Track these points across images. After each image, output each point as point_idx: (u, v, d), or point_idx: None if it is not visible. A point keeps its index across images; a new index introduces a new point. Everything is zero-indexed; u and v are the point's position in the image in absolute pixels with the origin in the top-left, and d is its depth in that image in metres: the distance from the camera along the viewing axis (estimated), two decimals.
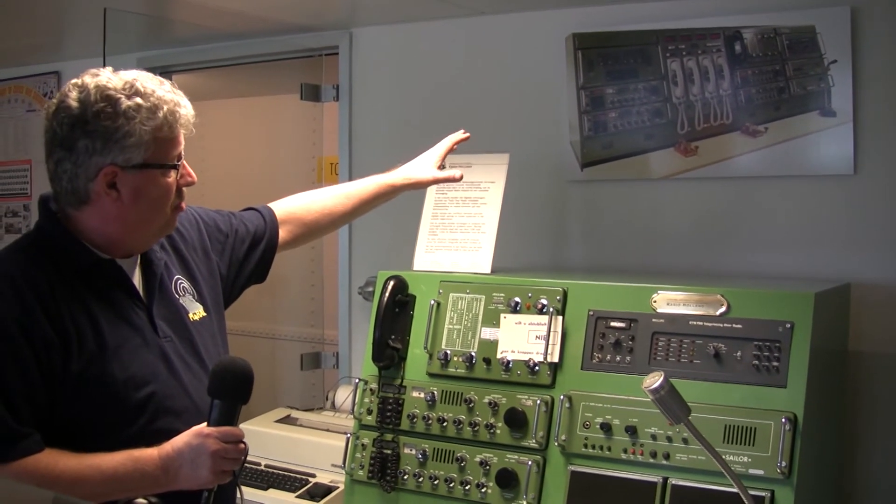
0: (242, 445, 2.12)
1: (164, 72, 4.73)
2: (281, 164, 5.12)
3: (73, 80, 2.11)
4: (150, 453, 2.07)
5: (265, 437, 3.57)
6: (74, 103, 2.05)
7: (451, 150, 2.90)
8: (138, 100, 2.07)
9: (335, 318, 4.23)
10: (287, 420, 3.73)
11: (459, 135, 2.94)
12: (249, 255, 2.58)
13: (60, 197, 2.14)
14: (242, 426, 3.57)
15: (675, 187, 3.40)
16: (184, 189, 2.23)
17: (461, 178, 2.89)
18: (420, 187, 2.92)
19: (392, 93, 4.02)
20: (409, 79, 3.97)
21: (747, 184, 3.28)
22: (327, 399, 4.01)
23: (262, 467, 3.47)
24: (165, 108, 2.11)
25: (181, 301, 2.32)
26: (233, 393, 2.12)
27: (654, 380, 2.00)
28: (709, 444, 2.06)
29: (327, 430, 3.59)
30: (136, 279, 2.25)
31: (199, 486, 2.07)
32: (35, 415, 2.02)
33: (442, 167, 2.89)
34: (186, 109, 2.17)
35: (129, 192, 2.10)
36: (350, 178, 4.06)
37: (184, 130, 2.18)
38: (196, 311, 2.34)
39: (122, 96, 2.06)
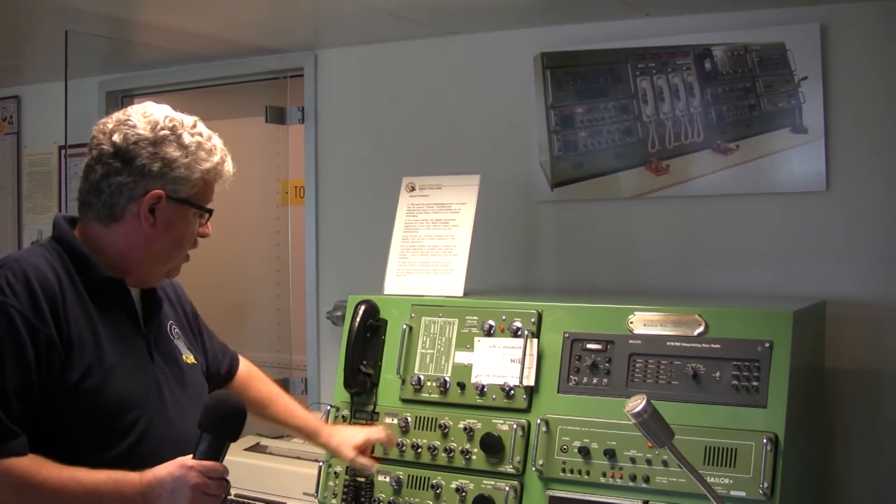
0: (225, 483, 2.06)
1: (127, 95, 4.67)
2: (246, 187, 5.04)
3: (135, 106, 2.20)
4: (132, 477, 2.02)
5: (235, 465, 3.40)
6: (141, 123, 2.14)
7: (368, 445, 2.78)
8: (200, 139, 2.19)
9: (303, 342, 4.16)
10: (257, 448, 3.66)
11: (382, 435, 2.80)
12: (207, 372, 2.55)
13: (92, 210, 2.17)
14: None
15: (647, 206, 3.37)
16: (198, 240, 2.29)
17: (372, 470, 2.80)
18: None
19: (359, 114, 3.98)
20: (376, 100, 3.92)
21: (719, 202, 3.26)
22: None
23: (233, 497, 3.39)
24: (219, 155, 2.23)
25: (176, 342, 2.35)
26: (223, 428, 2.07)
27: (637, 403, 1.96)
28: (693, 468, 2.02)
29: (298, 458, 3.52)
30: (138, 310, 2.26)
31: None
32: (26, 416, 1.99)
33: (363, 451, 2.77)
34: (230, 165, 2.28)
35: (164, 222, 2.16)
36: (317, 201, 4.05)
37: (222, 183, 2.27)
38: (188, 356, 2.36)
39: (187, 132, 2.17)
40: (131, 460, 2.05)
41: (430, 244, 3.06)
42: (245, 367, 2.71)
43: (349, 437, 2.72)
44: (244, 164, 5.09)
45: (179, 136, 2.15)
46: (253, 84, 4.43)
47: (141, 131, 2.13)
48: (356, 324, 2.90)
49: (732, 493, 2.39)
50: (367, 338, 2.93)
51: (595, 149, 3.42)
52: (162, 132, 2.14)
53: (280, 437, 3.83)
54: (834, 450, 3.03)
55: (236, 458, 3.52)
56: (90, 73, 4.62)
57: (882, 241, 3.01)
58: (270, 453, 3.62)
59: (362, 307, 2.93)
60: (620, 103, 3.36)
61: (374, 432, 2.77)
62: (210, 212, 2.25)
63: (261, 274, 4.84)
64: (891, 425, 2.99)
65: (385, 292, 3.09)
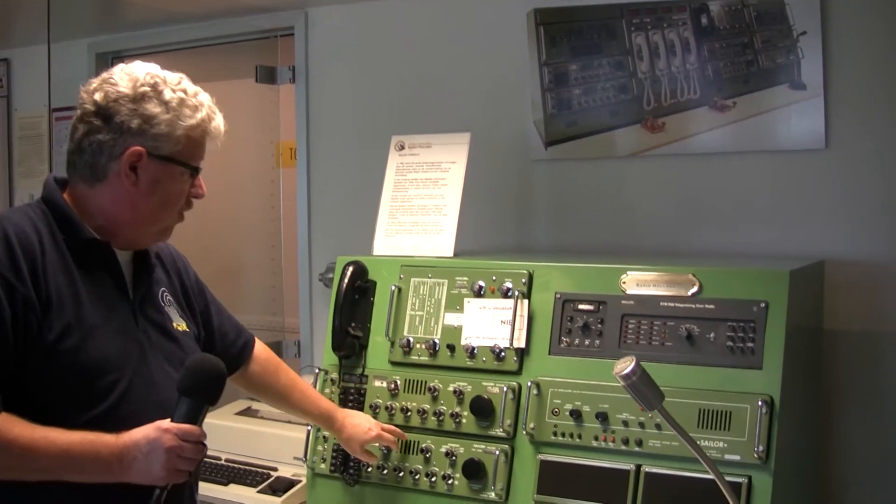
0: (202, 447, 2.01)
1: (116, 57, 4.59)
2: (240, 150, 4.98)
3: (122, 65, 2.16)
4: (107, 438, 1.98)
5: (225, 430, 3.45)
6: (122, 81, 2.09)
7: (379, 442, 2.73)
8: (182, 95, 2.13)
9: (296, 305, 4.11)
10: (248, 412, 3.61)
11: (392, 438, 2.74)
12: (210, 350, 2.49)
13: (77, 171, 2.13)
14: None
15: (642, 165, 3.30)
16: (192, 201, 2.24)
17: (375, 461, 2.76)
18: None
19: (350, 74, 3.90)
20: (368, 59, 3.85)
21: (716, 160, 3.19)
22: None
23: (223, 462, 3.36)
24: (204, 112, 2.16)
25: (166, 309, 2.29)
26: (202, 391, 2.03)
27: (626, 365, 1.90)
28: (683, 431, 1.97)
29: (289, 422, 3.46)
30: (127, 273, 2.20)
31: (152, 481, 1.98)
32: (1, 374, 1.95)
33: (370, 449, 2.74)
34: (220, 122, 2.23)
35: (148, 181, 2.11)
36: (308, 162, 3.98)
37: (211, 142, 2.21)
38: (179, 323, 2.31)
39: (169, 88, 2.12)
40: (110, 423, 2.01)
41: (420, 204, 2.99)
42: (263, 353, 2.66)
43: (360, 435, 2.68)
44: (238, 126, 5.05)
45: (160, 93, 2.10)
46: (244, 44, 4.34)
47: (122, 88, 2.09)
48: (344, 285, 2.85)
49: (727, 456, 2.34)
50: (355, 300, 2.87)
51: (589, 107, 3.34)
52: (142, 88, 2.09)
53: None
54: (832, 413, 2.97)
55: (227, 422, 3.50)
56: (79, 34, 4.56)
57: (882, 200, 2.94)
58: (262, 417, 3.58)
59: (350, 268, 2.87)
60: (615, 60, 3.28)
61: (384, 434, 2.71)
62: (196, 170, 2.18)
63: (256, 237, 4.78)
64: (891, 388, 2.93)
65: (374, 253, 3.03)
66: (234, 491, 3.19)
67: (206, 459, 3.34)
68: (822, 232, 3.01)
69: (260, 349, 2.65)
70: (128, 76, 2.11)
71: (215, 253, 4.74)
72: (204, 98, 2.19)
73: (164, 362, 2.17)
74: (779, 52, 3.04)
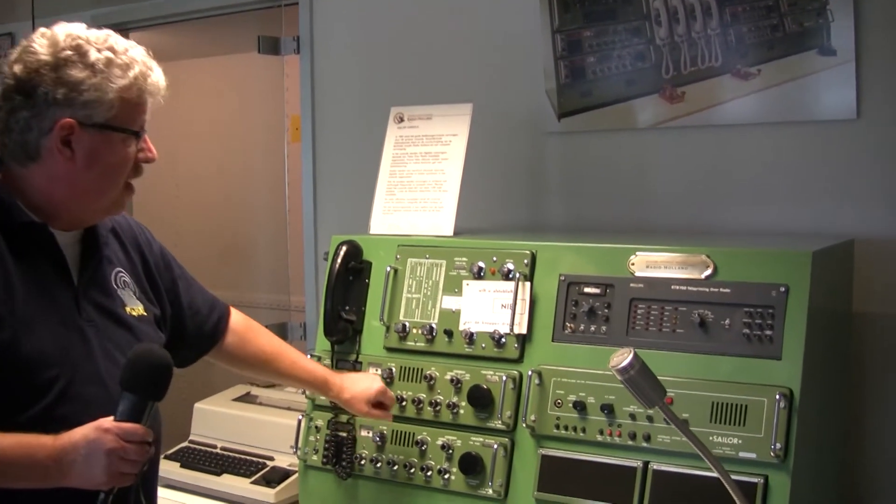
0: (148, 447, 1.85)
1: (121, 29, 4.43)
2: (247, 126, 4.84)
3: (42, 29, 1.98)
4: (44, 441, 1.82)
5: (221, 417, 3.31)
6: (42, 48, 1.92)
7: (381, 399, 2.56)
8: (109, 54, 1.95)
9: (302, 283, 3.95)
10: (246, 398, 3.46)
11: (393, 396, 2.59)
12: (185, 328, 2.35)
13: (7, 151, 1.97)
14: (197, 405, 3.40)
15: (661, 137, 3.10)
16: (142, 166, 2.05)
17: (390, 417, 2.59)
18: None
19: (356, 43, 3.71)
20: (374, 28, 3.66)
21: (739, 131, 2.98)
22: None
23: (218, 450, 3.21)
24: (137, 69, 1.98)
25: (119, 292, 2.10)
26: (145, 387, 1.87)
27: (623, 357, 1.72)
28: (686, 429, 1.78)
29: (288, 409, 3.32)
30: (72, 256, 2.03)
31: (93, 486, 1.82)
32: None
33: (377, 403, 2.55)
34: (158, 77, 2.04)
35: (84, 154, 1.94)
36: (314, 136, 3.81)
37: (151, 99, 2.02)
38: (135, 308, 2.13)
39: (94, 48, 1.94)
40: (50, 424, 1.85)
41: (419, 180, 2.81)
42: (240, 321, 2.49)
43: (362, 391, 2.52)
44: (245, 100, 4.93)
45: (84, 55, 1.91)
46: (249, 15, 4.19)
47: (42, 56, 1.91)
48: (337, 266, 2.68)
49: (741, 454, 2.15)
50: (349, 281, 2.70)
51: (605, 75, 3.14)
52: (64, 53, 1.91)
53: (271, 385, 3.63)
54: (860, 404, 2.77)
55: (223, 408, 3.36)
56: (83, 7, 4.43)
57: None
58: (260, 403, 3.43)
59: (343, 248, 2.70)
60: (632, 26, 3.08)
61: (385, 389, 2.56)
62: (137, 134, 2.00)
63: (263, 214, 4.63)
64: None
65: (370, 232, 2.86)
66: (227, 481, 3.05)
67: (200, 447, 3.24)
68: (852, 208, 2.80)
69: (237, 320, 2.48)
70: (47, 41, 1.93)
71: (223, 230, 4.61)
72: (136, 53, 2.00)
73: (115, 353, 2.00)
74: (806, 15, 2.82)
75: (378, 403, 2.53)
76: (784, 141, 2.92)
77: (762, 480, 2.13)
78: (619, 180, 3.18)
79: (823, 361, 2.36)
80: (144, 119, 2.01)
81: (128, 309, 2.09)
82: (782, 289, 2.19)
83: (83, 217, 2.03)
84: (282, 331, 4.04)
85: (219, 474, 3.07)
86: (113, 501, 1.83)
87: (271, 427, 3.19)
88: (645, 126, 3.11)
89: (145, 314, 2.14)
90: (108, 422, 1.81)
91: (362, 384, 2.54)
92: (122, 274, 2.13)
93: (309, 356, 2.76)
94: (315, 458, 2.69)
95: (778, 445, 2.10)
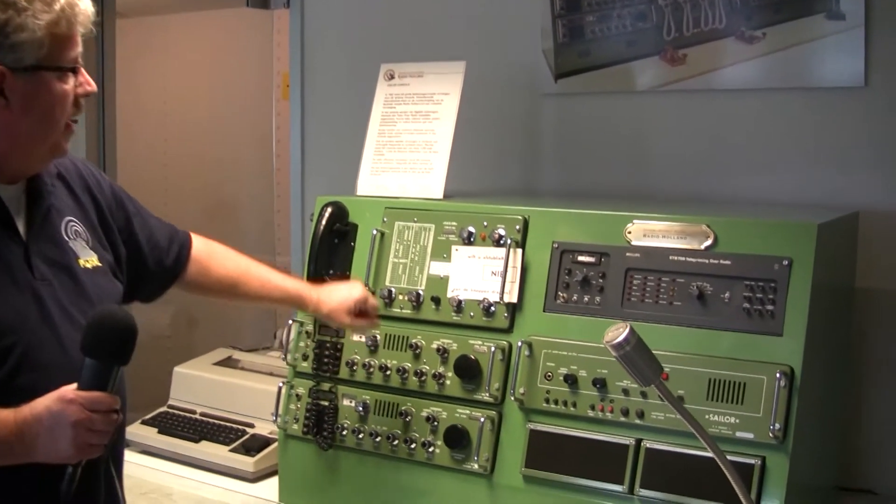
0: (115, 416, 1.74)
1: None
2: (240, 82, 4.70)
3: None
4: (4, 414, 1.71)
5: (201, 381, 3.20)
6: None
7: (363, 307, 2.45)
8: None
9: (289, 244, 3.85)
10: (227, 362, 3.35)
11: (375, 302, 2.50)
12: (145, 265, 2.21)
13: None
14: (177, 369, 3.29)
15: (661, 101, 2.99)
16: (82, 101, 1.90)
17: (378, 326, 2.49)
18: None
19: None
20: None
21: (742, 97, 2.87)
22: (275, 338, 3.63)
23: (197, 416, 3.11)
24: (63, 0, 1.81)
25: (71, 244, 1.96)
26: (108, 351, 1.74)
27: (618, 332, 1.61)
28: (682, 408, 1.68)
29: (270, 374, 3.21)
30: (18, 210, 1.90)
31: (60, 460, 1.71)
32: None
33: (360, 312, 2.44)
34: (87, 5, 1.87)
35: (20, 100, 1.80)
36: (302, 93, 3.67)
37: (82, 29, 1.86)
38: (89, 259, 1.98)
39: None
40: (9, 394, 1.74)
41: (409, 139, 2.70)
42: (202, 247, 2.36)
43: (341, 302, 2.40)
44: (232, 57, 4.80)
45: None
46: None
47: None
48: (321, 228, 2.58)
49: (738, 434, 2.06)
50: (334, 244, 2.60)
51: (604, 35, 3.02)
52: None
53: (255, 350, 3.54)
54: (860, 380, 2.68)
55: (203, 373, 3.26)
56: None
57: None
58: (242, 368, 3.32)
59: (328, 209, 2.60)
60: None
61: (366, 295, 2.44)
62: (73, 70, 1.85)
63: (251, 172, 4.52)
64: None
65: (357, 193, 2.75)
66: (206, 449, 2.94)
67: (179, 413, 3.13)
68: (858, 180, 2.70)
69: (199, 246, 2.35)
70: None
71: (210, 189, 4.49)
72: None
73: (73, 312, 1.88)
74: None
75: (361, 312, 2.42)
76: (788, 108, 2.81)
77: (759, 461, 2.04)
78: (616, 145, 3.07)
79: (825, 339, 2.26)
80: (78, 52, 1.87)
81: (81, 261, 1.95)
82: (785, 262, 2.09)
83: (26, 166, 1.89)
84: None
85: (197, 441, 2.96)
86: (81, 475, 1.73)
87: (252, 393, 3.08)
88: (644, 89, 3.00)
89: (100, 265, 2.00)
90: (71, 391, 1.70)
91: (340, 294, 2.42)
92: (73, 223, 1.99)
93: (291, 321, 2.66)
94: (295, 427, 2.60)
95: (777, 426, 2.01)
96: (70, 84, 1.85)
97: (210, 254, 2.36)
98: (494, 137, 3.19)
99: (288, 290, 2.43)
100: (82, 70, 1.88)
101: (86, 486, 1.79)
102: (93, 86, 1.90)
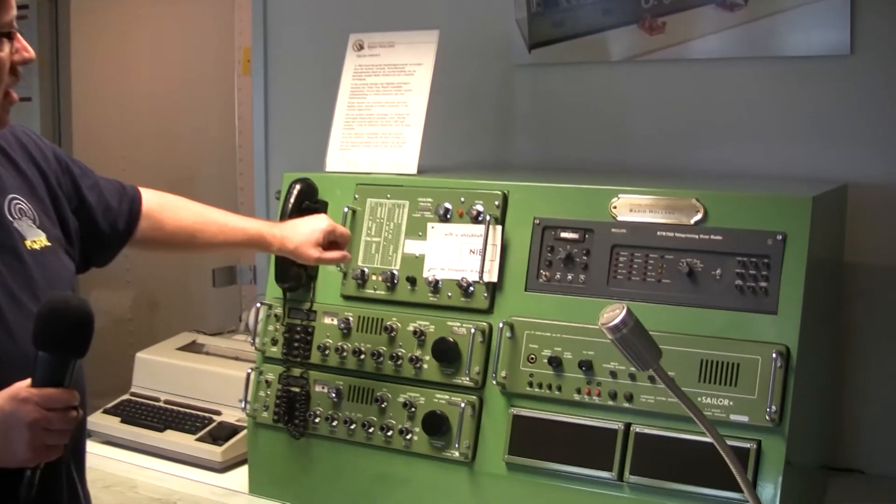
0: (74, 413, 1.61)
1: None
2: (201, 57, 4.56)
3: None
4: None
5: (164, 367, 3.07)
6: None
7: (337, 232, 2.35)
8: None
9: None
10: (192, 347, 3.22)
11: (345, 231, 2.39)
12: (97, 228, 2.05)
13: None
14: (139, 355, 3.16)
15: (639, 71, 2.90)
16: (19, 69, 1.75)
17: (349, 259, 2.37)
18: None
19: None
20: None
21: (723, 66, 2.78)
22: (241, 320, 3.52)
23: (161, 403, 2.98)
24: None
25: (15, 224, 1.81)
26: (63, 343, 1.59)
27: (614, 314, 1.51)
28: (682, 393, 1.58)
29: (236, 359, 3.09)
30: None
31: (17, 464, 1.57)
32: None
33: (329, 245, 2.33)
34: None
35: None
36: (265, 68, 3.54)
37: None
38: (36, 239, 1.83)
39: None
40: None
41: (380, 112, 2.59)
42: (153, 200, 2.20)
43: (307, 236, 2.28)
44: (194, 30, 4.65)
45: None
46: None
47: None
48: (290, 206, 2.45)
49: (733, 417, 1.97)
50: None
51: (579, 4, 2.92)
52: None
53: (220, 333, 3.41)
54: (848, 361, 2.60)
55: (167, 358, 3.14)
56: None
57: None
58: (207, 353, 3.19)
59: (297, 187, 2.48)
60: None
61: (333, 225, 2.34)
62: (8, 35, 1.71)
63: (213, 148, 4.38)
64: None
65: (326, 169, 2.63)
66: (171, 438, 2.82)
67: (142, 400, 3.01)
68: (844, 151, 2.63)
69: (150, 200, 2.19)
70: None
71: (170, 165, 4.34)
72: None
73: (23, 299, 1.73)
74: None
75: (331, 244, 2.32)
76: (771, 78, 2.73)
77: (755, 445, 1.95)
78: (593, 117, 2.98)
79: (819, 315, 2.18)
80: (13, 15, 1.72)
81: (28, 243, 1.81)
82: (779, 237, 2.00)
83: None
84: (230, 274, 3.83)
85: (161, 430, 2.84)
86: (41, 478, 1.60)
87: (218, 379, 2.96)
88: (621, 59, 2.91)
89: (49, 244, 1.85)
90: (24, 389, 1.57)
91: (305, 227, 2.31)
92: (17, 201, 1.84)
93: (259, 304, 2.54)
94: (265, 415, 2.49)
95: (773, 408, 1.93)
96: (6, 51, 1.70)
97: (162, 206, 2.21)
98: (465, 110, 3.09)
99: (248, 231, 2.30)
100: (18, 36, 1.74)
101: (46, 490, 1.66)
102: (31, 52, 1.75)
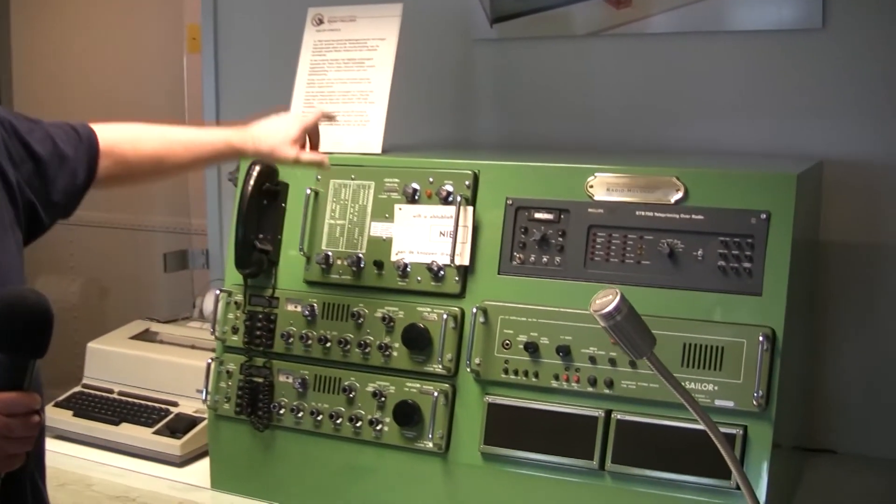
0: (37, 418, 1.50)
1: None
2: (142, 33, 4.40)
3: None
4: None
5: (117, 358, 2.95)
6: None
7: (315, 127, 2.24)
8: None
9: (204, 205, 3.60)
10: (145, 336, 3.10)
11: (328, 112, 2.29)
12: (55, 182, 1.89)
13: None
14: (90, 345, 3.04)
15: (606, 46, 2.81)
16: None
17: (329, 167, 2.24)
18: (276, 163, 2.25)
19: None
20: None
21: (693, 41, 2.71)
22: (195, 306, 3.40)
23: (115, 395, 2.86)
24: None
25: None
26: (22, 343, 1.48)
27: (608, 300, 1.43)
28: (677, 382, 1.50)
29: (192, 347, 2.98)
30: None
31: None
32: None
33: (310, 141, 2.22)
34: None
35: None
36: (216, 44, 3.42)
37: None
38: None
39: None
40: None
41: (342, 90, 2.49)
42: (109, 135, 2.00)
43: (283, 133, 2.13)
44: (139, 5, 4.50)
45: None
46: None
47: None
48: (249, 189, 2.35)
49: (717, 402, 1.91)
50: (263, 206, 2.38)
51: None
52: None
53: (174, 320, 3.29)
54: (821, 340, 2.56)
55: (119, 348, 3.01)
56: None
57: (888, 90, 2.49)
58: (161, 341, 3.07)
59: (256, 168, 2.37)
60: None
61: (307, 118, 2.21)
62: None
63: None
64: (888, 304, 2.53)
65: None
66: (127, 431, 2.70)
67: (95, 392, 2.89)
68: (818, 126, 2.57)
69: (106, 135, 2.00)
70: None
71: None
72: None
73: None
74: None
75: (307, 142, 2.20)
76: (742, 52, 2.67)
77: (741, 431, 1.89)
78: (558, 93, 2.90)
79: (802, 296, 2.13)
80: None
81: None
82: (763, 216, 1.93)
83: None
84: (181, 258, 3.71)
85: (117, 423, 2.72)
86: (4, 490, 1.49)
87: (174, 368, 2.85)
88: (587, 33, 2.82)
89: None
90: None
91: (277, 126, 2.17)
92: None
93: (218, 291, 2.44)
94: (227, 406, 2.39)
95: (760, 392, 1.86)
96: None
97: (121, 139, 2.02)
98: (425, 86, 3.00)
99: (216, 144, 2.13)
100: None
101: (9, 502, 1.56)
102: None
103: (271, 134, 2.14)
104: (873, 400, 2.57)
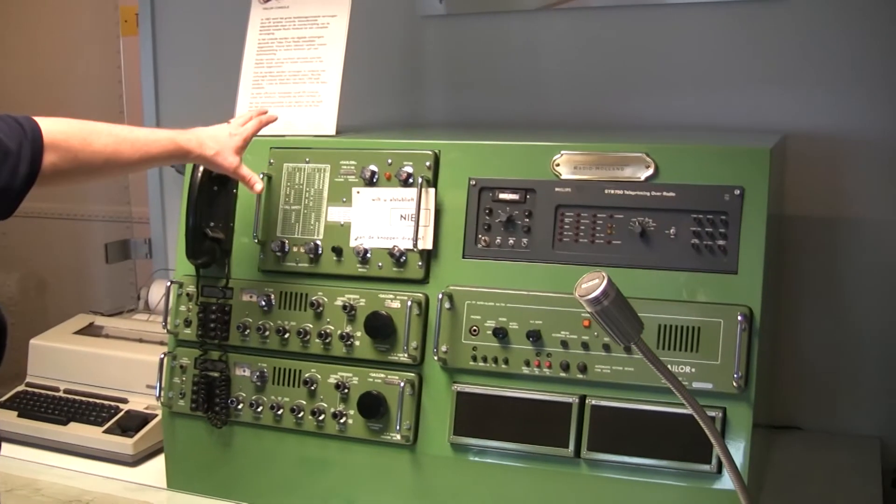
0: None
1: None
2: (75, 15, 4.24)
3: None
4: None
5: (61, 354, 2.83)
6: None
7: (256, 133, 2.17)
8: None
9: (146, 192, 3.48)
10: (90, 330, 2.97)
11: (267, 116, 2.21)
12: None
13: None
14: (33, 341, 2.92)
15: (558, 19, 2.75)
16: None
17: (261, 191, 2.18)
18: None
19: None
20: None
21: (649, 13, 2.65)
22: (139, 298, 3.28)
23: (61, 394, 2.75)
24: None
25: None
26: None
27: (594, 284, 1.36)
28: (665, 368, 1.45)
29: (139, 341, 2.87)
30: None
31: None
32: None
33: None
34: None
35: None
36: (153, 25, 3.30)
37: None
38: None
39: None
40: None
41: (292, 69, 2.39)
42: (55, 129, 1.87)
43: (227, 141, 2.09)
44: None
45: None
46: None
47: None
48: (198, 176, 2.24)
49: (695, 384, 1.85)
50: (214, 192, 2.27)
51: None
52: None
53: (118, 313, 3.18)
54: (786, 317, 2.52)
55: (63, 344, 2.90)
56: None
57: (851, 60, 2.46)
58: (107, 336, 2.95)
59: None
60: None
61: (252, 125, 2.16)
62: None
63: (97, 114, 4.09)
64: (851, 279, 2.52)
65: None
66: (76, 431, 2.59)
67: (40, 391, 2.78)
68: (779, 99, 2.53)
69: (51, 129, 1.86)
70: None
71: None
72: None
73: None
74: None
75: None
76: (700, 23, 2.62)
77: (720, 414, 1.84)
78: (511, 70, 2.83)
79: (774, 273, 2.08)
80: None
81: None
82: (737, 191, 1.88)
83: None
84: (123, 248, 3.58)
85: (65, 423, 2.61)
86: None
87: (122, 364, 2.74)
88: (539, 6, 2.75)
89: None
90: None
91: (222, 133, 2.12)
92: None
93: (168, 283, 2.33)
94: (182, 403, 2.29)
95: (739, 374, 1.81)
96: None
97: (68, 134, 1.88)
98: (372, 64, 2.91)
99: (162, 143, 2.03)
100: None
101: None
102: None
103: (216, 140, 2.08)
104: (836, 375, 2.55)
